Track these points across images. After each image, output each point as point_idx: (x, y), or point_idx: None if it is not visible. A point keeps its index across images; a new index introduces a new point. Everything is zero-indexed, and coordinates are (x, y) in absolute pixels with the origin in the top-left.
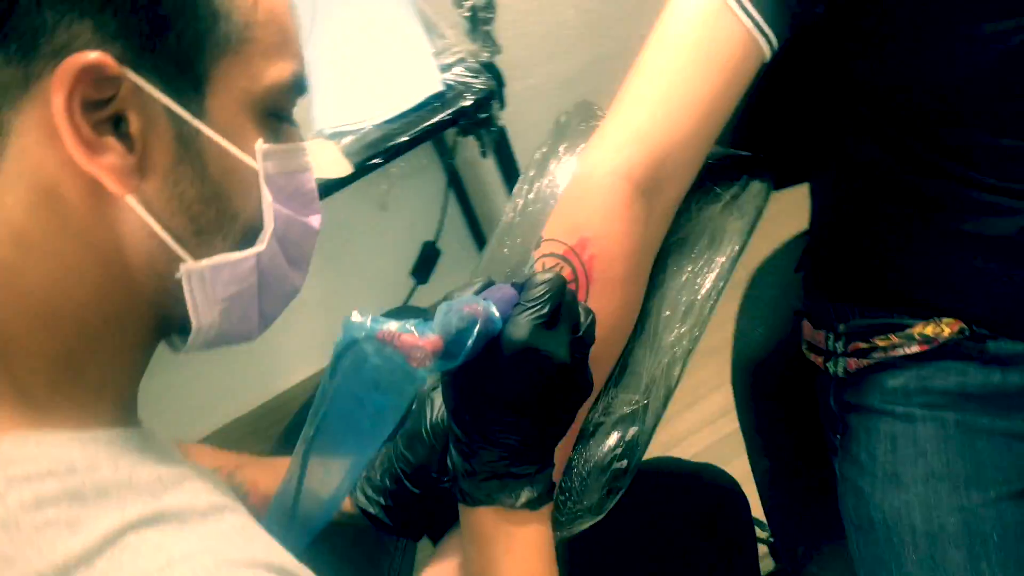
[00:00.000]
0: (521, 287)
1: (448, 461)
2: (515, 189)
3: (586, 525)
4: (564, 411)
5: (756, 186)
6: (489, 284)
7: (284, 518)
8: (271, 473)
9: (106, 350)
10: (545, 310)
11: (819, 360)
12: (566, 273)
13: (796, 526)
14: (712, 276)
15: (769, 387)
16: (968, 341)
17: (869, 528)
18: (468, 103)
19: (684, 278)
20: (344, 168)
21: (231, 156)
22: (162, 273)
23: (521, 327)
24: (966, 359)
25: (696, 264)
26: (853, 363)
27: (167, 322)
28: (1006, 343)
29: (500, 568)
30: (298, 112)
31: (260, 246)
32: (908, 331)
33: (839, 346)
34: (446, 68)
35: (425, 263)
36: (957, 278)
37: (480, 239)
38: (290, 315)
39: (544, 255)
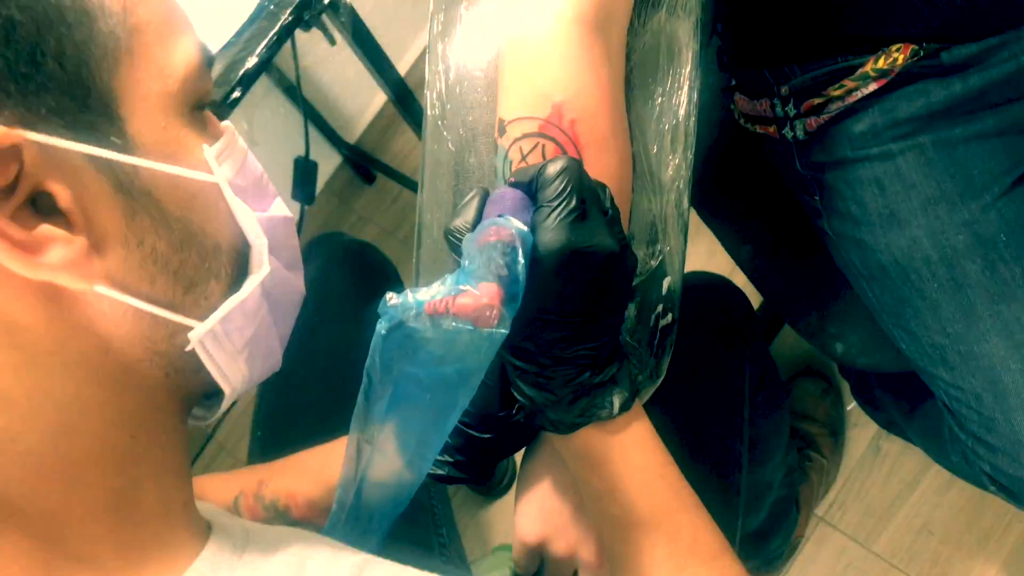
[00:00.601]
0: (528, 186)
1: (518, 396)
2: (428, 76)
3: (650, 393)
4: (621, 296)
5: None
6: (485, 195)
7: (356, 520)
8: (302, 477)
9: (149, 467)
10: (573, 202)
11: (770, 130)
12: (552, 149)
13: (800, 297)
14: (685, 91)
15: (718, 172)
16: (922, 61)
17: (882, 275)
18: None
19: (659, 104)
20: None
21: (184, 181)
22: (167, 351)
23: (557, 231)
24: (924, 79)
25: (664, 85)
26: (813, 122)
27: (190, 397)
28: (957, 49)
29: (627, 483)
30: None
31: (262, 270)
32: (860, 71)
33: (790, 109)
34: None
35: (304, 180)
36: (899, 1)
37: (335, 139)
38: None
39: (517, 140)
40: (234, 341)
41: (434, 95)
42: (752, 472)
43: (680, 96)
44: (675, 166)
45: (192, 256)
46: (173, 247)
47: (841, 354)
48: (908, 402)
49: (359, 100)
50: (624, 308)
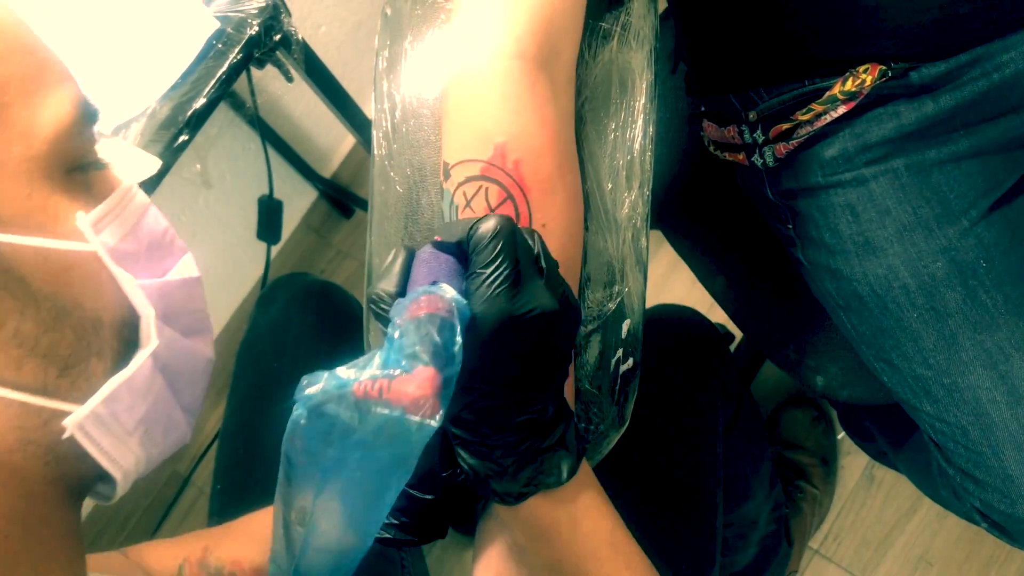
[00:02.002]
0: (455, 248)
1: (462, 464)
2: (375, 114)
3: (615, 441)
4: (564, 352)
5: (640, 5)
6: (410, 255)
7: None
8: (249, 542)
9: (26, 566)
10: (508, 268)
11: (740, 157)
12: (495, 193)
13: (776, 328)
14: (639, 124)
15: (689, 201)
16: (891, 81)
17: (859, 305)
18: (255, 30)
19: (612, 139)
20: (151, 164)
21: (55, 252)
22: (43, 439)
23: (494, 301)
24: (894, 100)
25: (618, 119)
26: (782, 148)
27: (79, 484)
28: (927, 68)
29: (576, 552)
30: None
31: (150, 343)
32: (828, 94)
33: (759, 136)
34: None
35: (269, 220)
36: (863, 19)
37: (310, 173)
38: None
39: (460, 184)
40: (123, 422)
41: (380, 134)
42: (733, 511)
43: (634, 129)
44: (631, 203)
45: (66, 334)
46: (43, 326)
47: (822, 387)
48: (895, 434)
49: (332, 134)
50: (567, 364)
